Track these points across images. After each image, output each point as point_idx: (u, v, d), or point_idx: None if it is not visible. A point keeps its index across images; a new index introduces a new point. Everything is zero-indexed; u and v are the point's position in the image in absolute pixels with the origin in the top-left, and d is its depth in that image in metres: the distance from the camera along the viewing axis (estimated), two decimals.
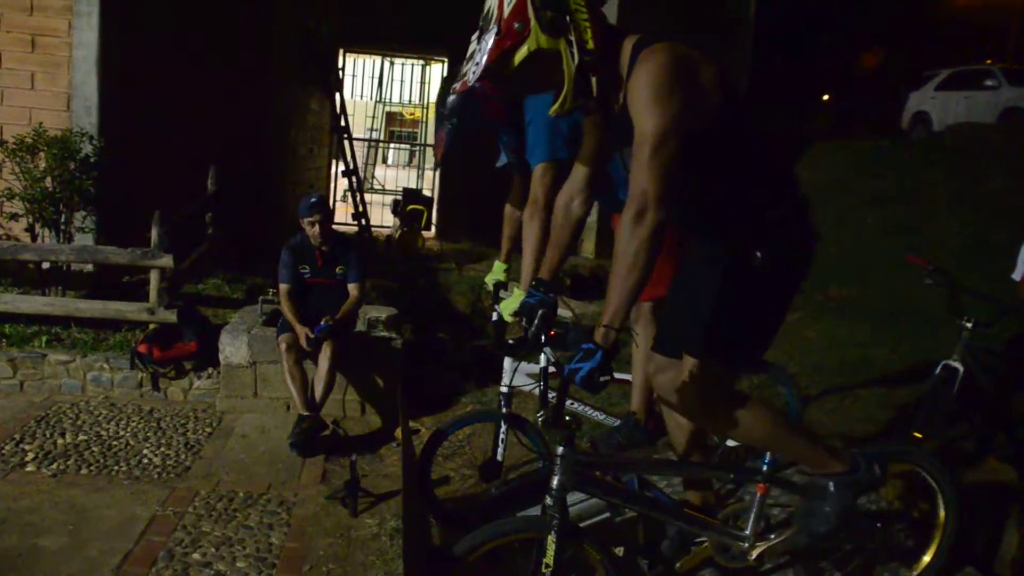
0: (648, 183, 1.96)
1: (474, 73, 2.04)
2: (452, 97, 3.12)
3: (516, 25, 1.99)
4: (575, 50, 2.02)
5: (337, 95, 10.52)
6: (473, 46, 2.08)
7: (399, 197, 10.40)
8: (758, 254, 2.20)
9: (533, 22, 1.98)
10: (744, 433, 2.39)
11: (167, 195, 5.38)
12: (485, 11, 2.05)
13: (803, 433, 2.49)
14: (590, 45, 2.03)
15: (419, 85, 12.97)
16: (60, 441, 3.96)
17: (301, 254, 4.38)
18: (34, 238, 5.26)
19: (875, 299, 7.14)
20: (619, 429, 3.35)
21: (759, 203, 2.24)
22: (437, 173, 11.64)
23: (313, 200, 4.34)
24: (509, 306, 3.06)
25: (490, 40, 2.01)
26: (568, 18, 2.01)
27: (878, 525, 2.73)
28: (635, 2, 9.60)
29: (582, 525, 2.75)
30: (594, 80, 2.09)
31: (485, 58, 2.02)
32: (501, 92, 3.07)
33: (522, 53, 2.00)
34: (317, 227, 4.27)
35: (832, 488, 2.41)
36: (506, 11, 1.99)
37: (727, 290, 2.27)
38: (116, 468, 3.70)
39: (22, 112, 5.48)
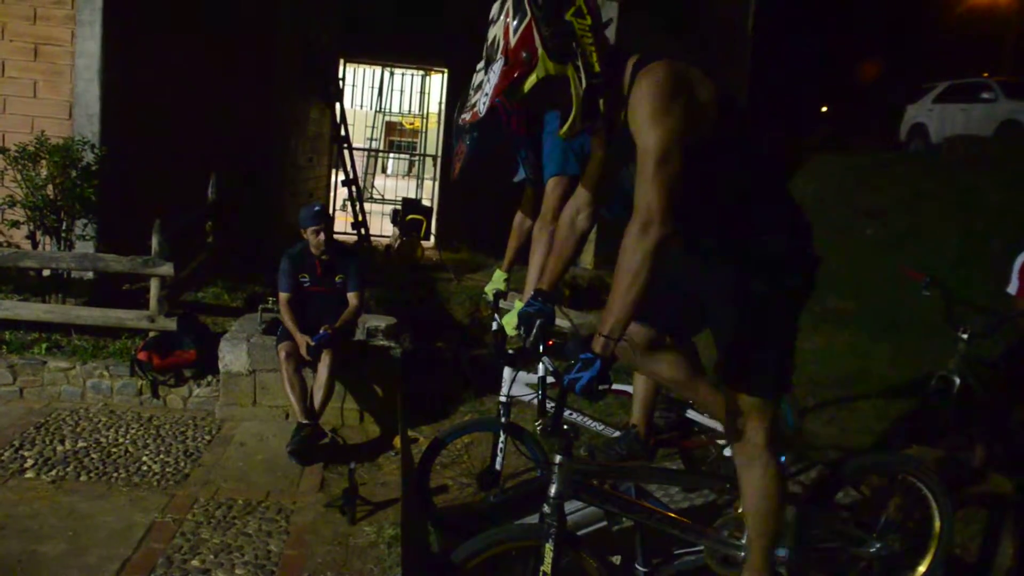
0: (652, 197, 1.98)
1: (483, 104, 2.06)
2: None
3: (524, 55, 2.01)
4: (582, 74, 2.05)
5: (337, 105, 10.55)
6: (480, 76, 2.09)
7: (398, 207, 10.41)
8: (760, 283, 2.25)
9: (540, 51, 2.01)
10: (756, 490, 2.38)
11: (168, 203, 5.40)
12: (490, 40, 2.07)
13: (779, 532, 2.47)
14: (596, 68, 2.06)
15: (419, 95, 13.01)
16: (59, 448, 3.98)
17: (301, 263, 4.40)
18: (35, 245, 5.27)
19: (873, 311, 7.16)
20: (620, 441, 3.35)
21: (759, 225, 2.27)
22: (436, 184, 11.68)
23: (316, 209, 4.38)
24: (511, 321, 3.06)
25: (498, 70, 2.03)
26: (574, 43, 2.03)
27: (873, 535, 2.75)
28: (634, 24, 9.66)
29: (579, 533, 2.77)
30: (602, 101, 2.11)
31: (493, 88, 2.04)
32: (522, 107, 3.09)
33: (531, 81, 2.03)
34: (322, 235, 4.30)
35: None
36: (512, 41, 2.01)
37: (743, 323, 2.31)
38: (115, 475, 3.72)
39: (24, 120, 5.51)
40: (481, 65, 2.10)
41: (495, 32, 2.06)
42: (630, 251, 1.99)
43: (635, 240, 1.98)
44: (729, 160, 2.21)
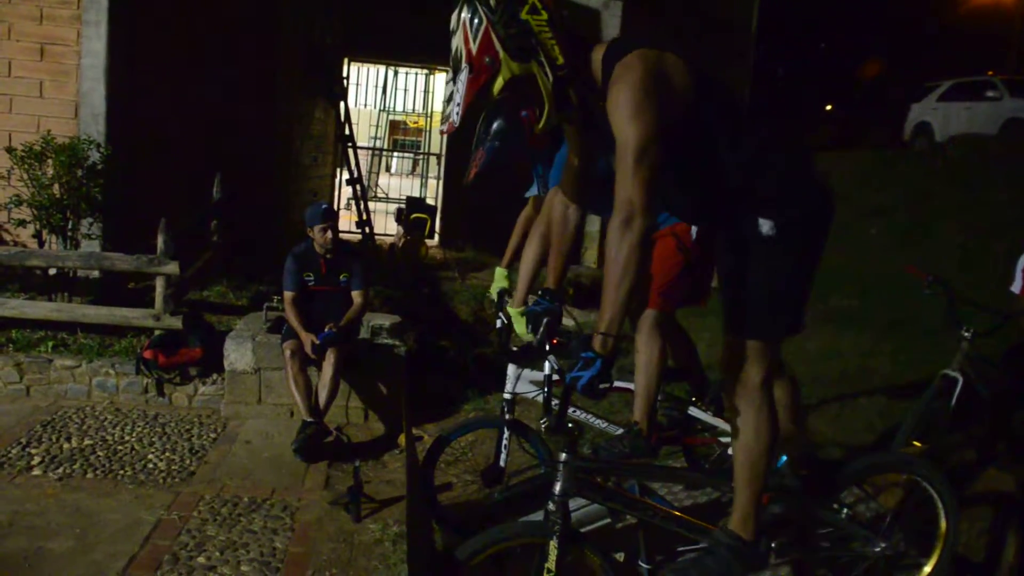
0: (634, 191, 2.02)
1: (457, 114, 2.10)
2: (498, 121, 3.18)
3: (486, 60, 2.05)
4: (547, 69, 2.09)
5: (341, 104, 10.56)
6: (451, 87, 2.14)
7: (403, 206, 10.43)
8: (764, 223, 2.24)
9: (502, 53, 2.05)
10: (748, 432, 2.37)
11: (173, 202, 5.43)
12: (454, 52, 2.11)
13: (765, 483, 2.45)
14: (559, 61, 2.10)
15: (423, 94, 13.03)
16: (66, 445, 4.00)
17: (306, 262, 4.42)
18: (41, 244, 5.30)
19: (876, 309, 7.16)
20: (622, 439, 3.36)
21: (755, 175, 2.27)
22: (440, 183, 11.69)
23: (324, 207, 4.41)
24: (520, 322, 3.05)
25: (464, 79, 2.07)
26: (533, 40, 2.07)
27: (878, 535, 2.75)
28: (637, 21, 9.66)
29: (583, 530, 2.78)
30: (572, 92, 2.14)
31: (463, 97, 2.08)
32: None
33: (498, 84, 2.08)
34: (329, 233, 4.33)
35: (726, 551, 2.39)
36: (474, 48, 2.05)
37: (743, 264, 2.31)
38: (121, 473, 3.73)
39: (31, 120, 5.53)
40: (449, 77, 2.13)
41: (457, 42, 2.10)
42: (616, 246, 2.02)
43: (620, 234, 2.02)
44: (712, 128, 2.23)
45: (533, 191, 3.71)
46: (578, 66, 2.15)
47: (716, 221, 2.45)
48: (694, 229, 3.26)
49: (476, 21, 2.05)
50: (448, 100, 2.15)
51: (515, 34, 2.05)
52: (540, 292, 2.40)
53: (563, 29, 2.12)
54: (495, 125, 3.21)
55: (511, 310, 3.11)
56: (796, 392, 3.17)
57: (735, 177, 2.27)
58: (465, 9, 2.07)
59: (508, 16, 2.04)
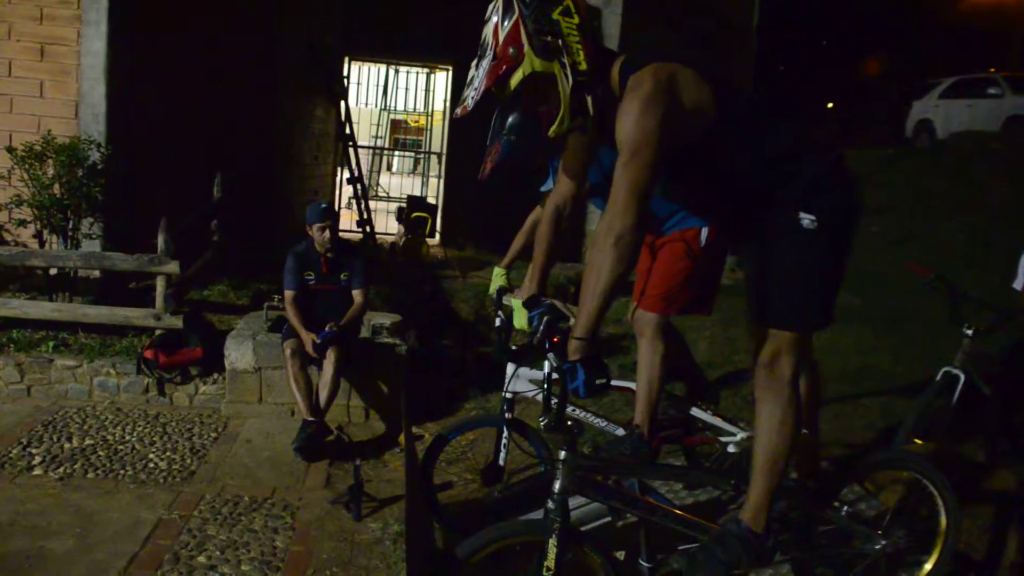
0: (618, 192, 2.04)
1: (473, 99, 2.12)
2: (514, 116, 3.17)
3: (511, 51, 2.07)
4: (568, 72, 2.10)
5: (342, 103, 10.56)
6: (472, 72, 2.16)
7: (403, 204, 10.43)
8: (805, 218, 2.25)
9: (527, 47, 2.06)
10: (773, 423, 2.36)
11: (173, 202, 5.42)
12: (482, 39, 2.13)
13: (784, 477, 2.45)
14: (583, 66, 2.11)
15: (424, 93, 13.01)
16: (67, 445, 4.00)
17: (306, 261, 4.42)
18: (42, 244, 5.30)
19: (878, 307, 7.15)
20: (623, 441, 3.35)
21: (789, 171, 2.28)
22: (441, 181, 11.68)
23: (323, 206, 4.41)
24: (520, 316, 3.05)
25: (486, 66, 2.09)
26: (560, 42, 2.08)
27: (879, 532, 2.75)
28: (638, 18, 9.65)
29: (583, 529, 2.78)
30: (590, 100, 2.14)
31: (482, 83, 2.10)
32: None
33: (517, 77, 2.09)
34: (327, 233, 4.33)
35: (736, 541, 2.38)
36: (501, 38, 2.08)
37: (780, 256, 2.32)
38: (122, 472, 3.74)
39: (31, 120, 5.53)
40: (474, 63, 2.16)
41: (486, 31, 2.12)
42: (597, 248, 2.04)
43: (602, 236, 2.04)
44: (738, 140, 2.24)
45: (549, 185, 3.70)
46: (600, 77, 2.16)
47: (749, 216, 2.44)
48: (703, 235, 3.25)
49: (508, 13, 2.07)
50: (468, 84, 2.16)
51: (544, 31, 2.07)
52: (524, 301, 2.42)
53: (592, 37, 2.13)
54: (510, 119, 3.20)
55: (513, 301, 3.10)
56: (818, 393, 3.16)
57: (768, 174, 2.28)
58: (500, 0, 2.10)
59: (540, 13, 2.07)
